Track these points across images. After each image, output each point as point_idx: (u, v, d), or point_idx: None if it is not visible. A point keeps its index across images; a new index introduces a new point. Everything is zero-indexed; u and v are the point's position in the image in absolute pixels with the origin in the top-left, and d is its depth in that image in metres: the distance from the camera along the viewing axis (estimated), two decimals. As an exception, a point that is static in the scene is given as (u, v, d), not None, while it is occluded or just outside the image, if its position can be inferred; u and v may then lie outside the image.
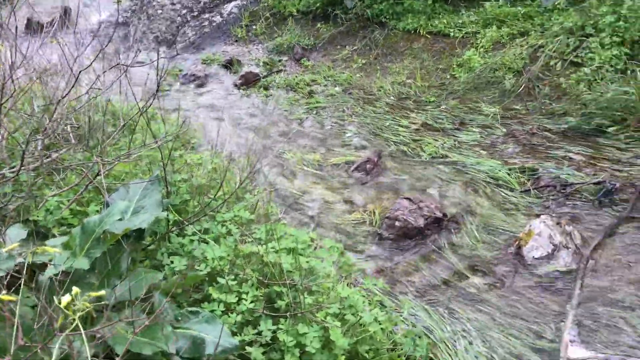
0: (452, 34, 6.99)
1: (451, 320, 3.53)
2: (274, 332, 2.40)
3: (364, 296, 3.28)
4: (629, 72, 5.31)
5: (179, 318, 2.16)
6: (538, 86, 5.78)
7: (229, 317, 2.34)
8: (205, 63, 7.65)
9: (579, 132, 5.13)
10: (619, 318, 3.47)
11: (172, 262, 2.58)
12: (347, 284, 3.43)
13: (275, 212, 3.72)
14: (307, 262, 2.77)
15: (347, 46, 7.68)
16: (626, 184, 4.43)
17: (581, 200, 4.41)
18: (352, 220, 4.56)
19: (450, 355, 3.24)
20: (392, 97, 6.40)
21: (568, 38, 5.92)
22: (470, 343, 3.35)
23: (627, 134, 4.93)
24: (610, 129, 4.98)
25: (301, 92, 6.74)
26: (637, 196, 4.29)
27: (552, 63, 5.87)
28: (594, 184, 4.42)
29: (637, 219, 4.13)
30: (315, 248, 3.35)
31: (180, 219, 2.88)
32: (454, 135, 5.54)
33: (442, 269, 4.02)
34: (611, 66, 5.46)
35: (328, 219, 4.59)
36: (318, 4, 8.27)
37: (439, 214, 4.38)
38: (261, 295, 2.55)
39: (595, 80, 5.38)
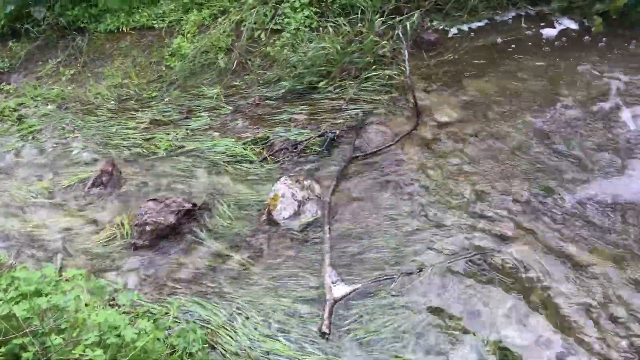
0: (156, 25, 6.86)
1: (225, 303, 3.56)
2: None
3: (126, 313, 3.13)
4: (321, 29, 5.81)
5: None
6: (250, 59, 6.00)
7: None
8: None
9: (295, 93, 5.48)
10: (367, 248, 3.85)
11: None
12: (107, 306, 3.23)
13: (3, 259, 3.29)
14: (48, 301, 2.51)
15: (49, 60, 7.06)
16: (345, 129, 4.89)
17: (313, 154, 4.74)
18: (102, 239, 4.28)
19: (230, 337, 3.27)
20: (112, 102, 6.09)
21: (264, 8, 6.23)
22: (247, 318, 3.42)
23: (335, 84, 5.41)
24: (320, 84, 5.41)
25: (9, 120, 6.04)
26: (355, 137, 4.76)
27: (256, 35, 6.13)
28: (319, 136, 4.79)
29: (360, 156, 4.60)
30: (68, 280, 3.07)
31: None
32: (185, 125, 5.49)
33: (205, 257, 4.01)
34: (306, 26, 5.91)
35: (75, 246, 4.24)
36: (2, 22, 7.43)
37: (188, 205, 4.33)
38: (1, 356, 2.25)
39: (297, 42, 5.77)
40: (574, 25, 5.88)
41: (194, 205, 4.37)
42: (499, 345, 3.11)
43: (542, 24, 5.89)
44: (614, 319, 3.17)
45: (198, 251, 4.07)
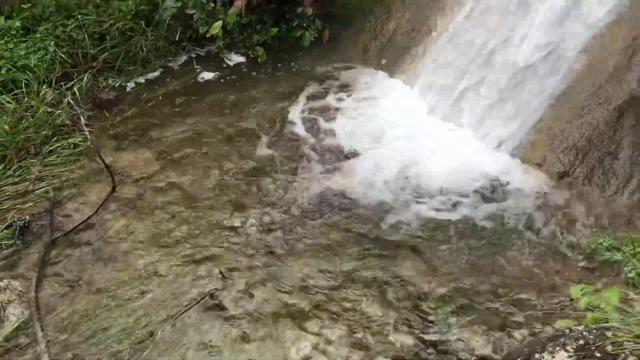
0: None
1: None
2: None
3: None
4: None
5: None
6: None
7: None
8: None
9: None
10: (92, 332, 3.55)
11: None
12: None
13: None
14: None
15: None
16: (36, 213, 4.44)
17: (4, 250, 4.18)
18: None
19: None
20: None
21: None
22: None
23: (14, 167, 4.88)
24: (-4, 170, 4.84)
25: None
26: (50, 217, 4.37)
27: None
28: (6, 228, 4.25)
29: (60, 237, 4.22)
30: None
31: None
32: None
33: None
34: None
35: None
36: None
37: None
38: None
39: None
40: (242, 59, 6.32)
41: None
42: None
43: (212, 63, 6.21)
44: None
45: None
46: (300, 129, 5.22)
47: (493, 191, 4.44)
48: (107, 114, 5.50)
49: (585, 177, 4.38)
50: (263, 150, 4.99)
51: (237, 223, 4.28)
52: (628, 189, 4.25)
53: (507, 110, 4.76)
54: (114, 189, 4.57)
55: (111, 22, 5.89)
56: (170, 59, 6.23)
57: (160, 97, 5.70)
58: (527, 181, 4.45)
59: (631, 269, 3.67)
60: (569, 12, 4.54)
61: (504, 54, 4.83)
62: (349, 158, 4.88)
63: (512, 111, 4.74)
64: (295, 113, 5.43)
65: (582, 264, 3.86)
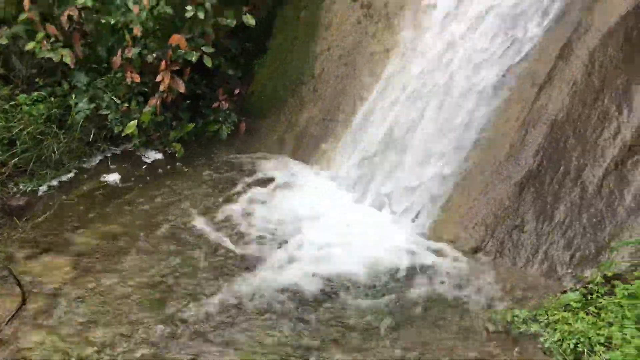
0: None
1: None
2: None
3: None
4: None
5: None
6: None
7: None
8: None
9: None
10: None
11: None
12: None
13: None
14: None
15: None
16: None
17: None
18: None
19: None
20: None
21: None
22: None
23: None
24: None
25: None
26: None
27: None
28: None
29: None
30: None
31: None
32: None
33: None
34: None
35: None
36: None
37: None
38: None
39: None
40: (160, 156, 6.33)
41: None
42: None
43: (129, 162, 6.18)
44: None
45: None
46: (218, 222, 5.22)
47: (406, 271, 4.53)
48: (17, 221, 5.30)
49: (496, 251, 4.56)
50: (182, 249, 4.93)
51: (155, 333, 4.13)
52: (537, 259, 4.45)
53: (416, 190, 4.97)
54: (24, 302, 4.33)
55: (21, 127, 5.79)
56: (85, 159, 6.15)
57: (74, 200, 5.57)
58: (440, 259, 4.59)
59: (546, 339, 3.78)
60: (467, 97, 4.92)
61: (409, 137, 5.09)
62: (267, 249, 4.90)
63: (422, 191, 4.95)
64: (213, 205, 5.45)
65: (500, 338, 3.95)
